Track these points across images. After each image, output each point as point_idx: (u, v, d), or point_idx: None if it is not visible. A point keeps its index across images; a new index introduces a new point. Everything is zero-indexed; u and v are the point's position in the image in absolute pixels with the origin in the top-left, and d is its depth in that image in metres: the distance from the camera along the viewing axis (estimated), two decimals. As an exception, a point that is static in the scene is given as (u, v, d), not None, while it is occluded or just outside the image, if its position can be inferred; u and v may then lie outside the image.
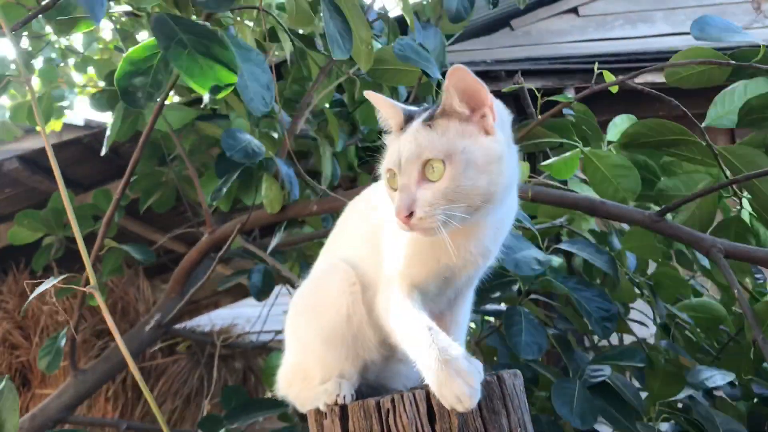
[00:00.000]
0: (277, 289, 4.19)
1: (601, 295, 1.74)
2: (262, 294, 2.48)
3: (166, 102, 2.85)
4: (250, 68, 1.57)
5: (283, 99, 2.55)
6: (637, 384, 1.98)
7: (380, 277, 1.24)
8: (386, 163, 1.10)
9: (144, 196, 2.86)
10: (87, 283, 1.96)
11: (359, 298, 1.27)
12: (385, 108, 1.16)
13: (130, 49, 1.51)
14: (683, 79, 1.85)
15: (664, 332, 2.12)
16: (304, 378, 1.35)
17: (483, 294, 1.77)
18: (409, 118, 1.12)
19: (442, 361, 1.01)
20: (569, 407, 1.61)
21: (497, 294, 1.89)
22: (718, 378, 1.90)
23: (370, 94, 1.17)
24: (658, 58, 3.44)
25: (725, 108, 1.78)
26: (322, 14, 1.70)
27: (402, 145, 1.07)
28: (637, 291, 2.13)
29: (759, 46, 1.70)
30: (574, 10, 4.78)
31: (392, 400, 1.12)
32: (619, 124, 2.00)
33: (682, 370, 1.90)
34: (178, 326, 4.16)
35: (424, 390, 1.13)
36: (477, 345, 1.89)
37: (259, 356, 4.52)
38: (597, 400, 1.65)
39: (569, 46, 4.43)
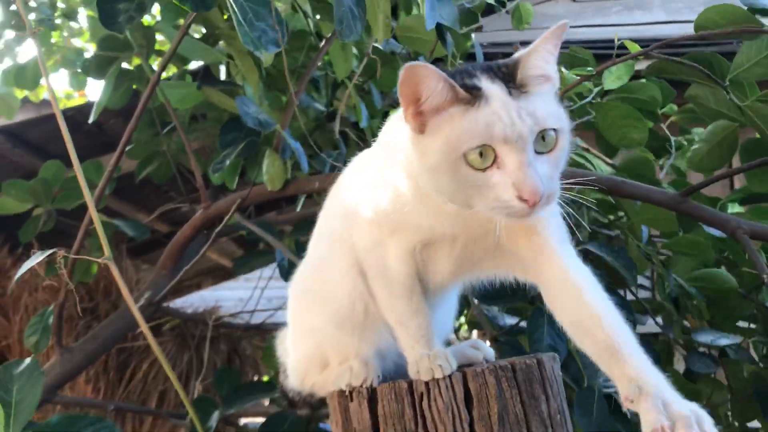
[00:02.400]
0: (265, 271, 4.12)
1: (622, 305, 1.67)
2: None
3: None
4: (253, 7, 1.48)
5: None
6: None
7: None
8: (474, 140, 0.92)
9: (141, 165, 2.75)
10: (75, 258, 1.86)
11: (361, 282, 1.19)
12: (436, 81, 0.94)
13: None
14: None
15: (672, 304, 2.06)
16: (322, 365, 1.27)
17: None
18: (471, 88, 0.95)
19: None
20: (589, 419, 1.56)
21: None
22: (723, 339, 1.91)
23: (413, 68, 0.92)
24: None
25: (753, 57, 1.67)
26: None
27: (506, 117, 0.92)
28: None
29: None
30: (571, -5, 4.73)
31: (426, 384, 1.05)
32: (615, 72, 1.97)
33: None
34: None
35: (461, 373, 1.06)
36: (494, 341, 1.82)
37: (244, 339, 4.43)
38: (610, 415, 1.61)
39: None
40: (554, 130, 0.95)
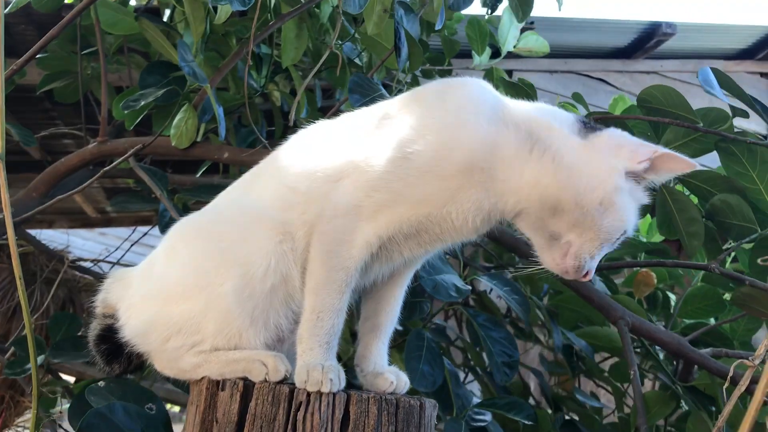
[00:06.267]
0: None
1: (507, 338, 1.69)
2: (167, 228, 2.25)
3: None
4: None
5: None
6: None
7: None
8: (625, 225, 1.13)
9: (48, 78, 2.53)
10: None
11: (293, 258, 1.12)
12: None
13: None
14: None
15: (566, 356, 2.15)
16: (196, 340, 1.10)
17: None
18: None
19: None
20: (456, 451, 1.53)
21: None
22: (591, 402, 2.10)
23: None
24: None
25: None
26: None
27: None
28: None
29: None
30: None
31: (308, 394, 0.99)
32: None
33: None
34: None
35: (345, 394, 1.01)
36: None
37: (84, 292, 4.14)
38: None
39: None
40: None
